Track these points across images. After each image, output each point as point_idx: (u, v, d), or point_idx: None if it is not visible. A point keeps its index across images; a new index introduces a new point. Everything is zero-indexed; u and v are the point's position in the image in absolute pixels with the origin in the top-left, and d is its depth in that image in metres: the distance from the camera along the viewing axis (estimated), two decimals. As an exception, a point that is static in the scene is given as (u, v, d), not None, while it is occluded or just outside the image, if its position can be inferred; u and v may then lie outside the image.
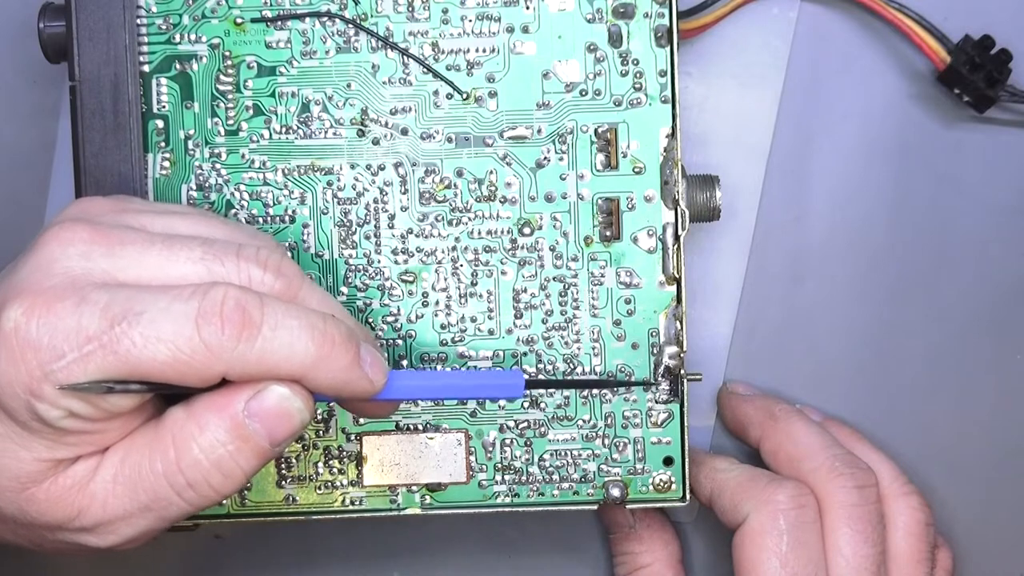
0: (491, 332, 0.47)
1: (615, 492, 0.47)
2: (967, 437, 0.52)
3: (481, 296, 0.46)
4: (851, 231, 0.51)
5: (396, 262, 0.46)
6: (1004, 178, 0.51)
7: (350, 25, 0.46)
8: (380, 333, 0.46)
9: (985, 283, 0.52)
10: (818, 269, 0.51)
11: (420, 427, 0.47)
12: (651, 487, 0.47)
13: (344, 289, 0.47)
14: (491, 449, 0.47)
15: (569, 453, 0.47)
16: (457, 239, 0.46)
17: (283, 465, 0.47)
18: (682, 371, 0.47)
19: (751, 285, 0.51)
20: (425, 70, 0.46)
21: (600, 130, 0.46)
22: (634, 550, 0.50)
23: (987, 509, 0.52)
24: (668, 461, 0.47)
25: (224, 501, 0.44)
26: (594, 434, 0.47)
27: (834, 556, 0.45)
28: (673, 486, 0.47)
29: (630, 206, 0.46)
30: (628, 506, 0.47)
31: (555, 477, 0.47)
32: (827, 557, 0.46)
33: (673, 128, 0.46)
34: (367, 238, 0.46)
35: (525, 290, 0.46)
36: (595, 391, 0.47)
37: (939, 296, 0.52)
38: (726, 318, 0.51)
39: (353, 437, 0.47)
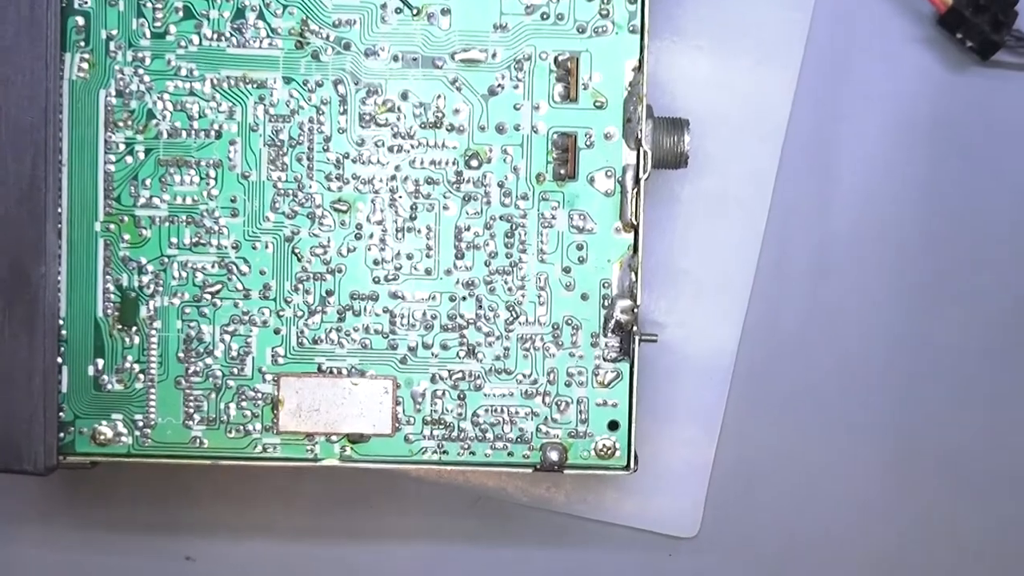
0: (428, 272, 0.46)
1: (553, 455, 0.46)
2: (1006, 445, 0.52)
3: (420, 232, 0.46)
4: (878, 221, 0.51)
5: (329, 189, 0.45)
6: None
7: (294, -75, 0.45)
8: (307, 266, 0.46)
9: (1027, 276, 0.51)
10: (842, 263, 0.51)
11: (344, 371, 0.46)
12: (593, 452, 0.46)
13: (270, 215, 0.46)
14: (420, 400, 0.46)
15: (506, 410, 0.46)
16: (397, 168, 0.45)
17: (191, 404, 0.46)
18: (634, 328, 0.46)
19: (763, 281, 0.51)
20: (373, -21, 0.45)
21: (560, 58, 0.45)
22: None
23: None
24: (613, 425, 0.46)
25: (122, 439, 0.45)
26: (534, 391, 0.46)
27: None
28: (617, 452, 0.46)
29: (588, 143, 0.45)
30: (566, 471, 0.46)
31: (489, 435, 0.46)
32: None
33: (640, 61, 0.45)
34: (299, 160, 0.45)
35: (468, 228, 0.46)
36: (540, 340, 0.46)
37: (977, 291, 0.51)
38: (734, 317, 0.51)
39: (270, 378, 0.46)
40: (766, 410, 0.52)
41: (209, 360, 0.46)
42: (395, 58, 0.45)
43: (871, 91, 0.51)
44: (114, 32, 0.45)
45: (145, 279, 0.46)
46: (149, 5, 0.45)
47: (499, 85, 0.45)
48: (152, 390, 0.46)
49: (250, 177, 0.46)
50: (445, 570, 0.52)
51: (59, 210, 0.45)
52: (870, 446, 0.52)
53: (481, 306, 0.46)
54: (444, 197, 0.46)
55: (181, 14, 0.45)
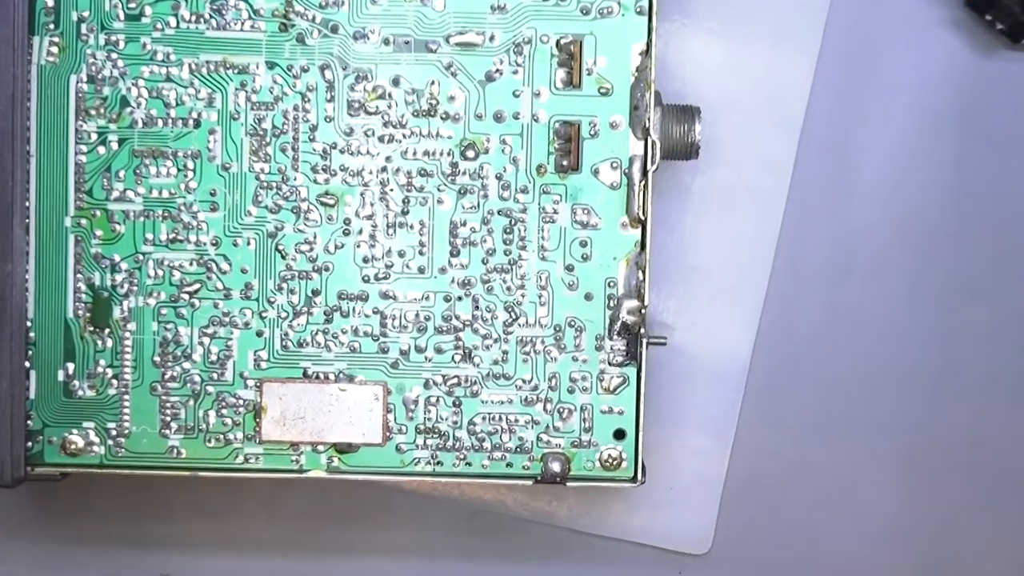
0: (421, 271, 0.45)
1: (555, 467, 0.45)
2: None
3: (412, 228, 0.45)
4: (902, 215, 0.50)
5: (316, 181, 0.45)
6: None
7: (278, -101, 0.44)
8: (292, 264, 0.45)
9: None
10: (863, 261, 0.51)
11: (332, 376, 0.45)
12: (598, 463, 0.45)
13: (253, 209, 0.45)
14: (413, 408, 0.45)
15: (504, 418, 0.46)
16: (388, 159, 0.45)
17: (167, 412, 0.45)
18: (641, 330, 0.45)
19: (779, 280, 0.51)
20: (362, -43, 0.44)
21: (563, 42, 0.45)
22: None
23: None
24: (619, 434, 0.46)
25: (94, 449, 0.44)
26: (535, 397, 0.45)
27: None
28: (623, 463, 0.45)
29: (592, 132, 0.45)
30: (569, 483, 0.45)
31: (486, 445, 0.46)
32: None
33: (648, 45, 0.44)
34: (283, 151, 0.45)
35: (464, 223, 0.45)
36: (540, 343, 0.45)
37: (1007, 290, 0.51)
38: (748, 318, 0.50)
39: (252, 383, 0.45)
40: (782, 418, 0.51)
41: (187, 364, 0.45)
42: (386, 41, 0.45)
43: (894, 76, 0.50)
44: (85, 14, 0.44)
45: (118, 278, 0.45)
46: (123, -16, 0.44)
47: (497, 70, 0.45)
48: (126, 397, 0.45)
49: (231, 169, 0.45)
50: (440, 588, 0.52)
51: (27, 204, 0.44)
52: (892, 457, 0.51)
53: (478, 307, 0.45)
54: (438, 190, 0.45)
55: (158, -6, 0.45)
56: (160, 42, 0.44)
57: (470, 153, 0.45)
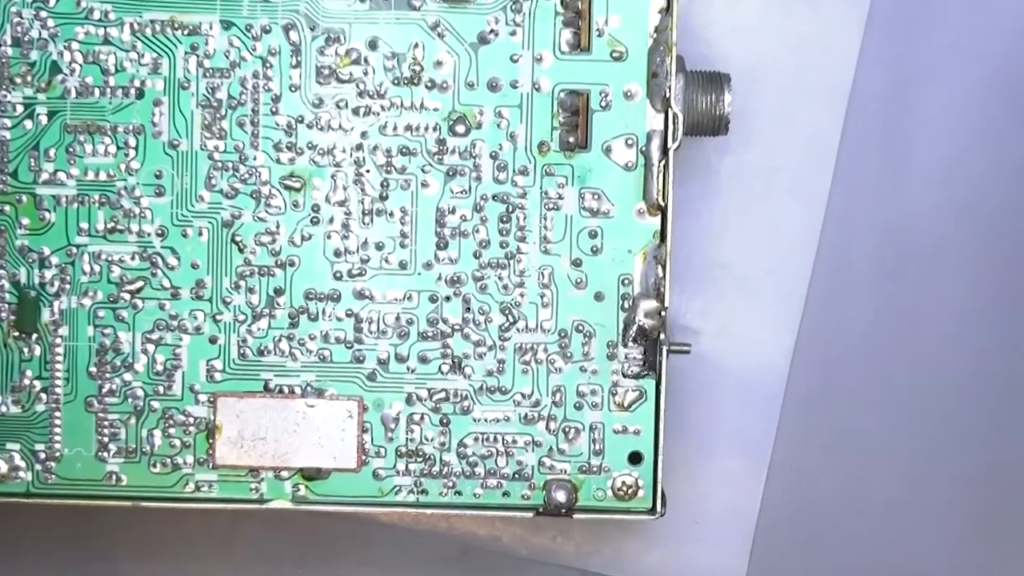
0: (403, 266, 0.44)
1: (559, 496, 0.44)
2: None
3: (392, 216, 0.44)
4: (963, 203, 0.49)
5: (279, 161, 0.43)
6: None
7: None
8: (251, 258, 0.43)
9: None
10: (919, 257, 0.49)
11: (297, 390, 0.44)
12: (610, 492, 0.44)
13: (205, 194, 0.43)
14: (393, 427, 0.44)
15: (501, 439, 0.44)
16: (364, 135, 0.43)
17: (105, 431, 0.44)
18: (661, 335, 0.43)
19: (822, 279, 0.49)
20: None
21: None
22: None
23: None
24: (635, 458, 0.44)
25: (20, 475, 0.44)
26: (536, 415, 0.44)
27: None
28: (640, 492, 0.44)
29: (604, 104, 0.43)
30: (576, 516, 0.44)
31: (479, 471, 0.44)
32: None
33: (669, 2, 0.43)
34: (240, 126, 0.43)
35: (453, 211, 0.44)
36: (543, 351, 0.43)
37: None
38: (786, 322, 0.49)
39: (204, 398, 0.44)
40: (826, 438, 0.50)
41: (128, 376, 0.44)
42: (361, -4, 0.44)
43: (956, 39, 0.49)
44: (9, -34, 0.44)
45: (48, 274, 0.44)
46: (53, -69, 0.44)
47: (492, 31, 0.43)
48: (57, 414, 0.44)
49: (179, 147, 0.44)
50: (425, 638, 0.51)
51: (-59, 188, 0.44)
52: (953, 484, 0.50)
53: (469, 308, 0.44)
54: (423, 171, 0.44)
55: (93, -58, 0.44)
56: (97, -1, 0.43)
57: (460, 128, 0.44)
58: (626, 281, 0.44)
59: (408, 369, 0.44)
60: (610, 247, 0.44)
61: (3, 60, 0.42)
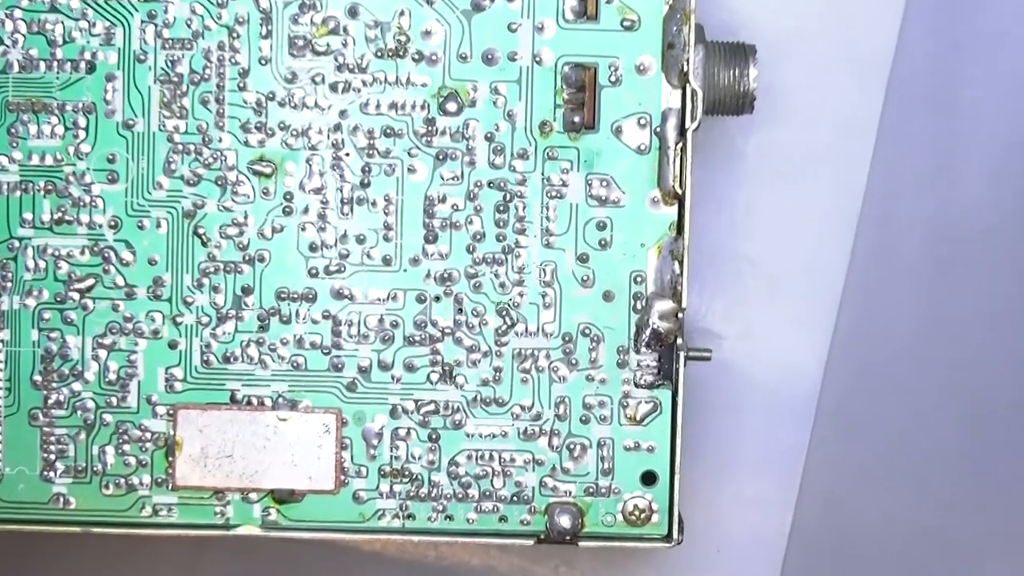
0: (387, 262, 0.42)
1: (563, 521, 0.42)
2: None
3: (375, 205, 0.42)
4: (1018, 191, 0.47)
5: (247, 143, 0.42)
6: None
7: None
8: (216, 252, 0.41)
9: None
10: (966, 253, 0.47)
11: (268, 401, 0.42)
12: (620, 516, 0.42)
13: (164, 180, 0.41)
14: (376, 443, 0.42)
15: (497, 457, 0.42)
16: (343, 114, 0.42)
17: (51, 448, 0.42)
18: (678, 340, 0.42)
19: (859, 276, 0.48)
20: None
21: None
22: None
23: None
24: (649, 478, 0.42)
25: None
26: (537, 429, 0.42)
27: None
28: (654, 516, 0.42)
29: (613, 79, 0.42)
30: (583, 543, 0.42)
31: (472, 492, 0.42)
32: None
33: None
34: (204, 103, 0.42)
35: (444, 199, 0.42)
36: (544, 357, 0.42)
37: None
38: (819, 325, 0.47)
39: (163, 411, 0.42)
40: (862, 457, 0.48)
41: (77, 386, 0.42)
42: (339, -42, 0.42)
43: (1009, 8, 0.47)
44: (-60, -77, 0.42)
45: None
46: None
47: None
48: None
49: (135, 127, 0.42)
50: None
51: None
52: (1005, 507, 0.47)
53: (462, 310, 0.42)
54: (409, 155, 0.42)
55: (36, -101, 0.43)
56: (43, -40, 0.42)
57: (451, 106, 0.42)
58: (638, 279, 0.42)
59: (393, 378, 0.42)
60: (620, 240, 0.42)
61: (-67, 32, 0.40)
